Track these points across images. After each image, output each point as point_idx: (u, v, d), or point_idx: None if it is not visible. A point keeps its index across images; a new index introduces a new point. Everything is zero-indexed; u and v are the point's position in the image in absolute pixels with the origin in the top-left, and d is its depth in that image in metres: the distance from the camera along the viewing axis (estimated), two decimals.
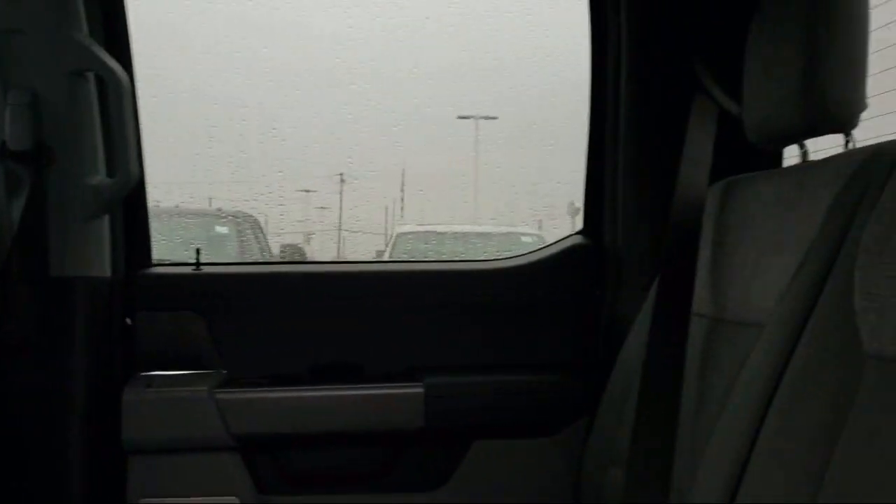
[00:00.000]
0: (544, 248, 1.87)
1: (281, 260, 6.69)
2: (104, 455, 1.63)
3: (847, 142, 1.23)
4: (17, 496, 1.54)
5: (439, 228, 8.50)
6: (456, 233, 6.88)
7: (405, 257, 6.75)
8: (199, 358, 1.72)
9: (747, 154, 1.40)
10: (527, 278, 1.82)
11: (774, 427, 0.94)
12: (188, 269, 1.77)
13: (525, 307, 1.80)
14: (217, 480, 1.67)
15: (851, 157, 1.06)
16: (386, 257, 7.19)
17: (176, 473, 1.67)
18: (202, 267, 1.77)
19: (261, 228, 8.97)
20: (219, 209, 8.24)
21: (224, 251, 6.64)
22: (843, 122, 1.17)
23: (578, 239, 1.85)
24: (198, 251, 1.78)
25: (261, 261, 6.22)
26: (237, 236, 7.00)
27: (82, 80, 1.60)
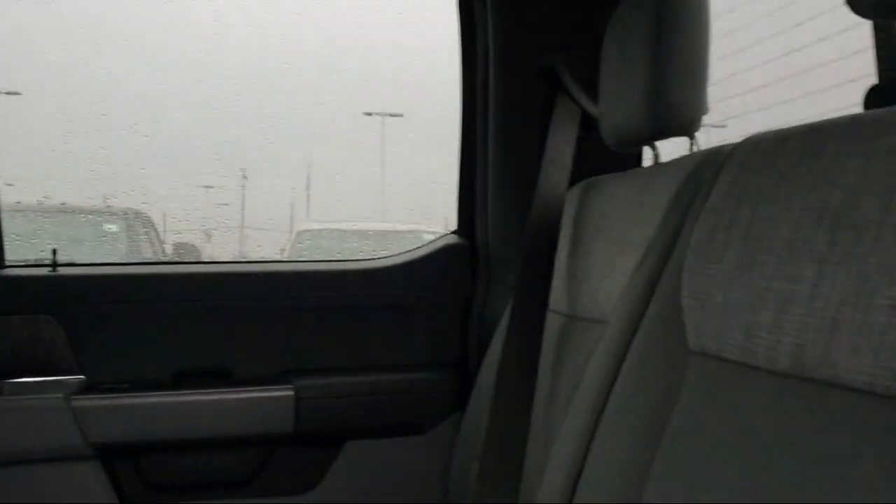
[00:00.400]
0: (420, 247, 1.87)
1: (150, 261, 6.47)
2: None
3: (691, 145, 1.29)
4: None
5: (341, 226, 8.41)
6: (358, 230, 6.83)
7: (304, 255, 6.65)
8: (54, 363, 1.63)
9: (610, 155, 1.43)
10: (402, 277, 1.82)
11: (608, 422, 0.97)
12: (44, 271, 1.68)
13: (400, 306, 1.80)
14: (77, 492, 1.59)
15: (689, 160, 1.11)
16: (286, 255, 7.07)
17: (33, 486, 1.58)
18: (59, 268, 1.69)
19: (153, 226, 8.67)
20: (108, 206, 7.91)
21: (113, 250, 6.37)
22: (686, 126, 1.22)
23: (453, 238, 1.86)
24: (54, 251, 1.69)
25: (124, 261, 6.00)
26: (127, 234, 6.73)
27: None
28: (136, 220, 7.82)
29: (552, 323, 1.31)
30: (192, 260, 4.17)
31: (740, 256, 0.81)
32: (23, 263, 1.71)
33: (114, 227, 7.15)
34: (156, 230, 8.65)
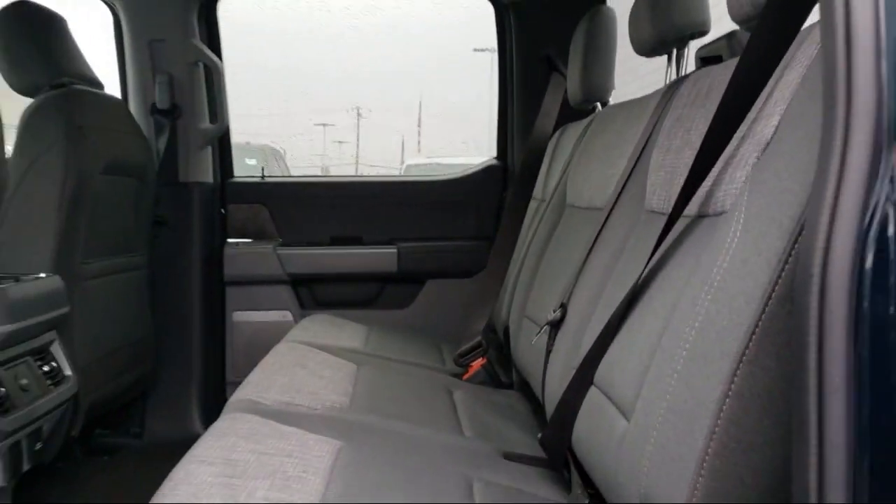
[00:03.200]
0: (474, 167, 3.03)
1: (312, 175, 7.87)
2: (213, 286, 2.84)
3: (605, 104, 2.36)
4: (163, 311, 2.73)
5: (444, 160, 9.64)
6: (460, 164, 8.00)
7: None
8: (265, 231, 2.92)
9: (575, 111, 2.49)
10: (462, 185, 3.00)
11: (597, 261, 2.11)
12: (257, 179, 2.96)
13: (460, 202, 2.97)
14: (278, 301, 2.88)
15: (639, 102, 1.81)
16: None
17: (254, 297, 2.88)
18: (265, 178, 2.97)
19: (284, 161, 10.20)
20: (247, 142, 9.42)
21: None
22: (602, 97, 2.30)
23: (493, 161, 3.02)
24: (262, 169, 2.98)
25: (297, 175, 7.41)
26: (264, 168, 8.21)
27: (196, 67, 2.76)
28: (271, 155, 9.36)
29: (533, 205, 2.45)
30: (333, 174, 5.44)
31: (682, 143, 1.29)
32: (246, 176, 3.00)
33: (253, 161, 8.71)
34: (285, 163, 10.18)
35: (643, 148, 1.53)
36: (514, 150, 2.93)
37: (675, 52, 1.86)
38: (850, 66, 0.69)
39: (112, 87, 2.84)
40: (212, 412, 2.81)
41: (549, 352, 1.59)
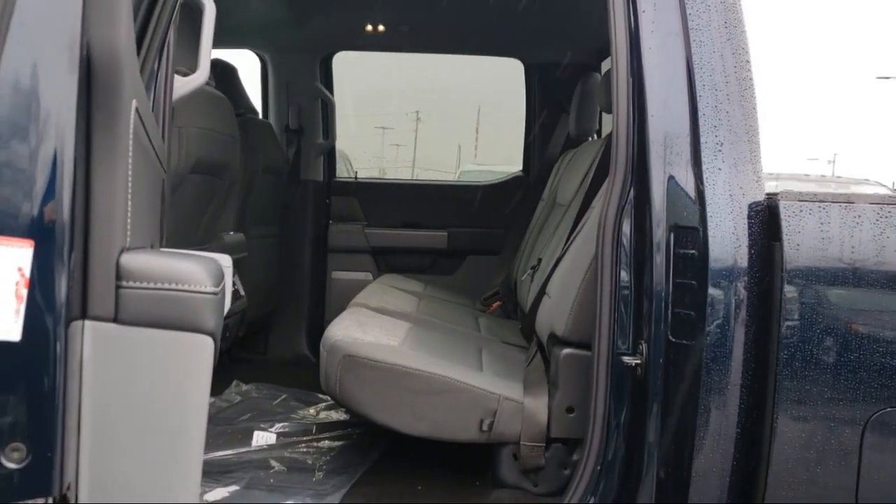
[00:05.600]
0: (505, 176, 4.24)
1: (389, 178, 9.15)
2: (320, 252, 4.10)
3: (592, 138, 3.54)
4: (286, 268, 3.99)
5: (496, 168, 10.83)
6: (509, 173, 9.21)
7: None
8: (356, 216, 4.17)
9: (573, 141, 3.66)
10: (494, 190, 4.20)
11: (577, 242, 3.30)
12: (352, 179, 4.23)
13: (494, 201, 4.17)
14: (362, 266, 4.13)
15: (597, 144, 3.33)
16: None
17: (347, 262, 4.14)
18: (358, 179, 4.23)
19: (349, 162, 11.52)
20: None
21: None
22: (590, 133, 3.47)
23: (519, 173, 4.22)
24: (356, 172, 4.24)
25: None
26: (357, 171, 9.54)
27: (316, 101, 4.04)
28: (341, 158, 10.68)
29: (539, 206, 3.64)
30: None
31: None
32: (345, 176, 4.26)
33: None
34: (350, 164, 11.50)
35: (587, 170, 2.72)
36: (534, 166, 4.12)
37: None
38: (617, 146, 1.86)
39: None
40: (315, 340, 4.07)
41: (530, 283, 2.78)
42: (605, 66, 3.93)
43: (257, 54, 4.06)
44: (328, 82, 4.13)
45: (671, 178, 1.77)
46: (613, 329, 1.82)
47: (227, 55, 3.80)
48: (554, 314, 2.16)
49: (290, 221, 4.01)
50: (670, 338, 1.74)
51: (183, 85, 1.92)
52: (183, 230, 2.44)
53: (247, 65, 4.12)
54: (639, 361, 1.77)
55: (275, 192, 3.77)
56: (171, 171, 2.14)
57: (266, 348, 4.03)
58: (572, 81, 3.60)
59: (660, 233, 1.76)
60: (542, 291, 2.47)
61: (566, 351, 2.05)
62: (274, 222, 3.82)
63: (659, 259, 1.76)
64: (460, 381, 2.04)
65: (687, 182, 1.77)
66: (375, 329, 2.32)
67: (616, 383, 1.82)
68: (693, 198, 1.75)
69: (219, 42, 3.98)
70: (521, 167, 4.26)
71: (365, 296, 2.97)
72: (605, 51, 3.85)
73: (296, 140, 4.03)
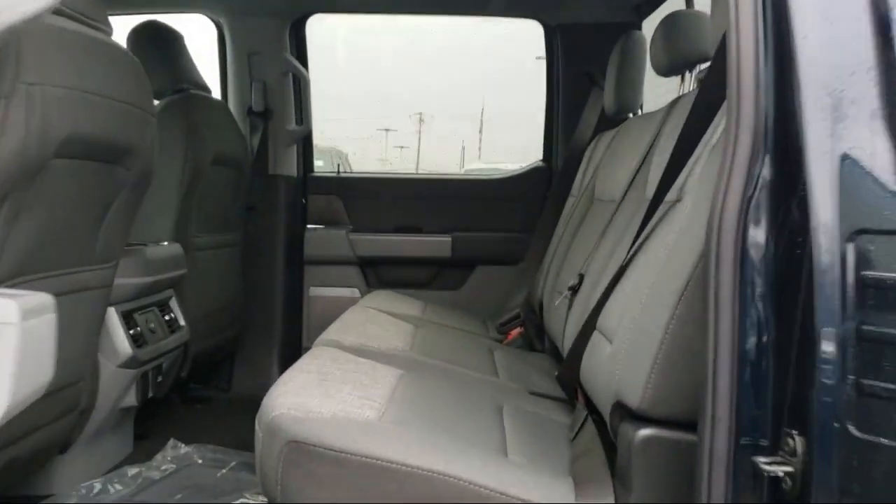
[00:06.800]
0: (523, 167, 3.44)
1: (379, 172, 8.42)
2: (294, 264, 3.31)
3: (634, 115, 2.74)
4: (251, 284, 3.21)
5: (502, 166, 10.11)
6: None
7: None
8: (339, 219, 3.38)
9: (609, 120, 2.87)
10: (511, 184, 3.40)
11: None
12: (333, 174, 3.43)
13: (510, 197, 3.38)
14: (348, 280, 3.34)
15: (652, 115, 2.46)
16: None
17: (328, 275, 3.34)
18: (341, 173, 3.43)
19: (348, 164, 10.82)
20: (316, 145, 10.03)
21: None
22: (633, 109, 2.67)
23: (539, 164, 3.42)
24: (338, 166, 3.44)
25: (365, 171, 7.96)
26: (330, 169, 8.80)
27: (286, 77, 3.24)
28: (336, 158, 9.97)
29: (569, 202, 2.84)
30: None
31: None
32: (324, 171, 3.47)
33: (320, 163, 9.29)
34: (349, 166, 10.78)
35: (647, 152, 1.92)
36: (558, 153, 3.32)
37: (687, 74, 2.24)
38: (740, 95, 1.07)
39: (214, 93, 3.36)
40: None
41: (568, 310, 1.98)
42: (650, 23, 3.14)
43: (212, 19, 3.27)
44: (301, 53, 3.34)
45: (845, 150, 1.00)
46: (737, 406, 1.05)
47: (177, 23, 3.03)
48: (620, 371, 1.37)
49: (256, 226, 3.23)
50: (852, 431, 0.97)
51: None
52: (60, 241, 1.65)
53: (207, 40, 3.35)
54: (789, 469, 0.99)
55: (234, 190, 2.99)
56: (8, 153, 1.36)
57: (230, 383, 3.26)
58: (605, 45, 2.83)
59: (827, 243, 0.98)
60: (589, 325, 1.68)
61: (645, 432, 1.26)
62: (234, 228, 3.04)
63: (828, 288, 0.98)
64: (475, 483, 1.25)
65: (875, 155, 1.00)
66: (345, 389, 1.53)
67: (742, 500, 1.04)
68: (891, 183, 0.99)
69: (163, 4, 3.21)
70: (541, 156, 3.46)
71: (341, 328, 2.19)
72: (647, 4, 3.06)
73: (261, 125, 3.24)
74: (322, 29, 3.64)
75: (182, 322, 2.49)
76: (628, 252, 1.59)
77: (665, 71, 2.17)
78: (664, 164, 1.67)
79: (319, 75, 3.90)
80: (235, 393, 3.24)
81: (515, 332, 2.59)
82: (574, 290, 1.96)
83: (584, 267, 2.01)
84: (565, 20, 3.25)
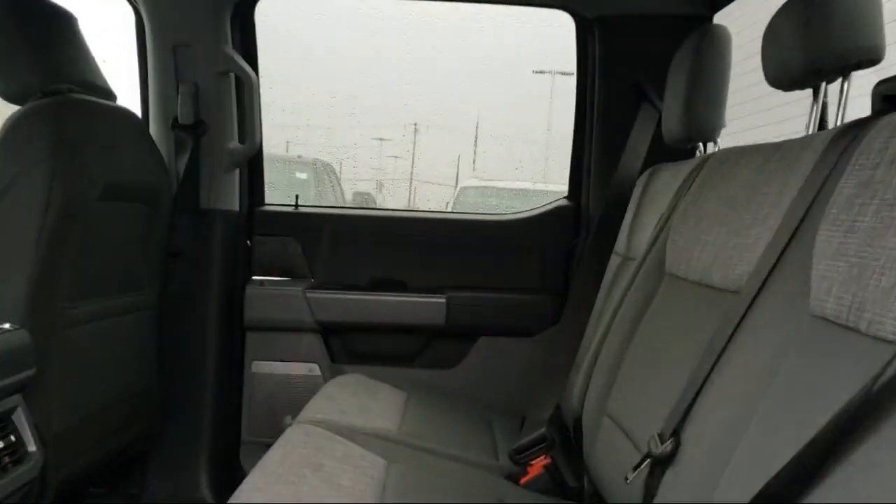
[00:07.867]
0: (541, 206, 2.59)
1: (353, 206, 7.53)
2: (231, 330, 2.45)
3: (715, 147, 1.90)
4: (170, 357, 2.35)
5: (500, 184, 9.25)
6: (516, 189, 7.55)
7: (467, 207, 7.52)
8: (295, 269, 2.52)
9: (669, 150, 2.02)
10: (526, 228, 2.55)
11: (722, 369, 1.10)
12: (290, 209, 2.57)
13: (522, 248, 2.53)
14: (305, 352, 2.47)
15: (798, 145, 1.20)
16: (449, 208, 8.06)
17: (278, 345, 2.48)
18: (299, 207, 2.57)
19: (336, 176, 9.91)
20: (299, 156, 9.12)
21: (304, 195, 7.51)
22: (708, 135, 1.83)
23: (563, 202, 2.57)
24: (297, 196, 2.58)
25: (337, 205, 7.04)
26: (315, 182, 7.87)
27: (226, 78, 2.39)
28: (322, 170, 9.06)
29: (612, 261, 1.99)
30: (374, 206, 5.05)
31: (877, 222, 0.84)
32: (277, 203, 2.61)
33: (304, 176, 8.38)
34: (338, 178, 9.88)
35: (802, 218, 1.07)
36: (591, 190, 2.47)
37: (824, 85, 1.41)
38: None
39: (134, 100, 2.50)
40: (222, 476, 2.41)
41: (651, 493, 1.13)
42: (723, 15, 2.31)
43: (130, 3, 2.41)
44: (247, 48, 2.49)
45: None
46: None
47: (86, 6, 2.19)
48: None
49: (178, 280, 2.37)
50: None
51: None
52: None
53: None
54: None
55: (143, 233, 2.13)
56: None
57: (141, 491, 2.39)
58: (662, 46, 2.01)
59: None
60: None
61: None
62: (142, 285, 2.17)
63: None
64: None
65: None
66: None
67: None
68: None
69: None
70: (547, 177, 2.62)
71: (286, 446, 1.33)
72: None
73: (190, 143, 2.38)
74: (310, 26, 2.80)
75: (32, 446, 1.63)
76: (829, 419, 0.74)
77: (791, 81, 1.35)
78: (867, 258, 0.83)
79: (300, 75, 3.07)
80: (149, 500, 2.38)
81: (539, 463, 1.73)
82: (662, 461, 1.10)
83: (678, 415, 1.14)
84: (607, 11, 2.39)
